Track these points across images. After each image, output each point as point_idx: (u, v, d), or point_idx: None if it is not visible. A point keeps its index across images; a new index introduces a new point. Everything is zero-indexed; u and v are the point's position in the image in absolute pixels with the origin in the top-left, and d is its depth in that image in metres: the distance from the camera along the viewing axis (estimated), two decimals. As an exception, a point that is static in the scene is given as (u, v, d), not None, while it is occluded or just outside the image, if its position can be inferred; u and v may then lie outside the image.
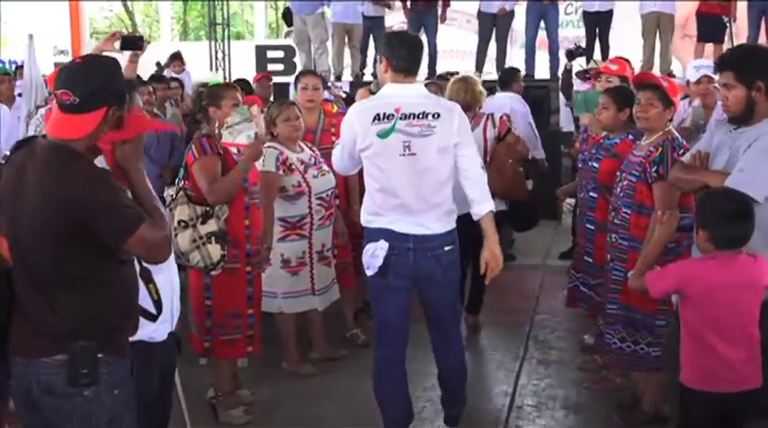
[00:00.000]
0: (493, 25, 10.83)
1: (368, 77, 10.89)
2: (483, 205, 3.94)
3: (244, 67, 13.34)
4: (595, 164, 4.92)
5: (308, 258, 5.17)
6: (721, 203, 3.19)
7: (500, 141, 5.77)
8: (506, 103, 7.69)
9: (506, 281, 7.52)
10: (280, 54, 15.02)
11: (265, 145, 4.95)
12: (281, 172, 4.98)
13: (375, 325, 4.17)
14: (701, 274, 3.21)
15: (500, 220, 5.88)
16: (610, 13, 10.66)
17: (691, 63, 6.33)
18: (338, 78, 10.97)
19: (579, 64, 9.04)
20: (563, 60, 9.33)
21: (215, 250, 4.26)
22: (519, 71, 8.89)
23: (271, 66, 14.28)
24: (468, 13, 12.83)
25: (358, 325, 5.96)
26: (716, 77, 5.87)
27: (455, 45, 12.69)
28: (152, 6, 24.05)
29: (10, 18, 15.92)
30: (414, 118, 3.85)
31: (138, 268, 2.84)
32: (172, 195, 4.39)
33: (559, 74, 9.62)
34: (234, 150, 4.49)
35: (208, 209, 4.29)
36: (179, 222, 4.28)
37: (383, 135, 3.83)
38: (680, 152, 4.06)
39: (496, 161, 5.71)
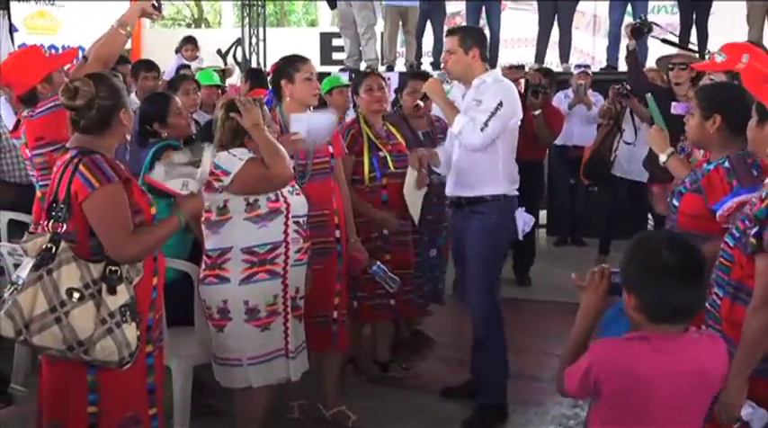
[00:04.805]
0: (554, 11, 9.64)
1: (425, 67, 9.59)
2: None
3: (308, 56, 12.14)
4: (675, 202, 3.20)
5: (281, 305, 3.70)
6: (658, 254, 2.11)
7: None
8: None
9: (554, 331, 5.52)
10: (346, 42, 13.84)
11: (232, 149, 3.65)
12: None
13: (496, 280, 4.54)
14: (623, 360, 2.13)
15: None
16: (710, -4, 9.17)
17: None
18: (390, 68, 9.66)
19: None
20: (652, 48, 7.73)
21: (131, 332, 2.88)
22: None
23: (336, 56, 13.19)
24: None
25: (343, 401, 4.44)
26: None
27: (521, 32, 11.34)
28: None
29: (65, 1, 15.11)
30: None
31: None
32: (43, 246, 2.85)
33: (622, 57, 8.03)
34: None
35: (114, 268, 2.88)
36: (69, 291, 2.83)
37: None
38: None
39: None
